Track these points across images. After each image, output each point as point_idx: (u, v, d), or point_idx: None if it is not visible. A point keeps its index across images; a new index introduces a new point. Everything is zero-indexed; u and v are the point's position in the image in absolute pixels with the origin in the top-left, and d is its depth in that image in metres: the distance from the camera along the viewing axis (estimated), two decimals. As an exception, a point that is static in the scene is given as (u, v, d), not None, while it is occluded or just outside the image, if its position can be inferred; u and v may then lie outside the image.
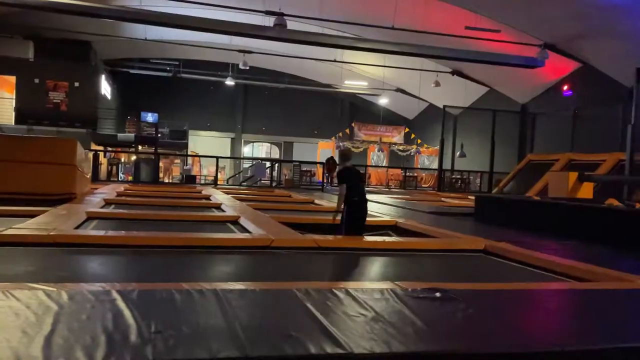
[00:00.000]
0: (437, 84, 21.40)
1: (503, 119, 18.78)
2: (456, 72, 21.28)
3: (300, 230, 5.38)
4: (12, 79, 18.02)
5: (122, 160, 23.08)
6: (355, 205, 5.12)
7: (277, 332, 1.86)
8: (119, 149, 21.81)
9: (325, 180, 17.31)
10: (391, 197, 12.66)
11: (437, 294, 2.50)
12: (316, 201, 9.97)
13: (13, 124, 17.44)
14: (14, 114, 17.72)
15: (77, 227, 4.58)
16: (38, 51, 18.59)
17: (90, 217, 5.48)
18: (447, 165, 20.43)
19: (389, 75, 24.55)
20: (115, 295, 2.18)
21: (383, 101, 28.68)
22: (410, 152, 27.23)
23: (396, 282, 2.77)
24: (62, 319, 1.86)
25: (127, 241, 3.96)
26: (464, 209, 9.45)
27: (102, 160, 19.74)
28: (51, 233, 3.88)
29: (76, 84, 18.43)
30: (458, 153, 20.35)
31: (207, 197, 9.35)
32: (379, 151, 26.25)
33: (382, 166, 25.59)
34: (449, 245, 4.71)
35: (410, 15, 14.66)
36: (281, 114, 30.51)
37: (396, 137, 28.06)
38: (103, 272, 3.32)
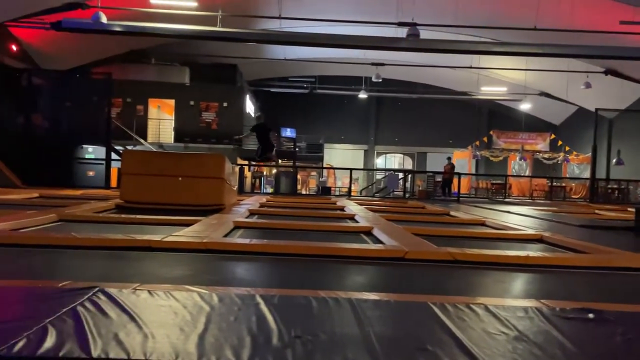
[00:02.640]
0: (588, 85, 19.57)
1: (670, 120, 16.55)
2: (610, 72, 19.26)
3: (435, 242, 5.26)
4: (172, 102, 20.31)
5: (264, 173, 24.59)
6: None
7: (412, 344, 1.84)
8: (262, 163, 23.29)
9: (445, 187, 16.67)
10: (536, 209, 11.79)
11: (590, 315, 2.27)
12: (452, 213, 9.66)
13: (172, 142, 19.67)
14: (173, 133, 19.96)
15: (226, 235, 4.97)
16: (193, 76, 20.76)
17: (237, 226, 5.91)
18: (601, 174, 18.51)
19: (531, 78, 23.05)
20: (258, 299, 2.33)
21: (525, 106, 26.93)
22: (557, 161, 25.17)
23: (542, 301, 2.58)
24: (213, 320, 2.03)
25: (269, 249, 4.20)
26: (621, 222, 8.48)
27: (247, 173, 21.25)
28: (204, 240, 4.25)
29: (225, 104, 20.20)
30: (614, 160, 18.31)
31: (342, 208, 9.55)
32: (520, 160, 24.68)
33: (524, 176, 23.96)
34: (604, 262, 4.25)
35: (555, 14, 13.66)
36: (414, 125, 30.23)
37: (540, 144, 26.15)
38: (248, 277, 3.56)
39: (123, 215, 6.20)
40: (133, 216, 6.17)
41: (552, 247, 5.50)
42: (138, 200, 7.97)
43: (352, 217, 7.73)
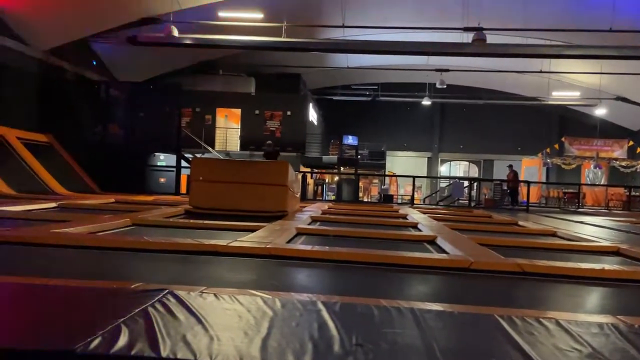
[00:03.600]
0: (671, 88, 18.27)
1: None
2: (696, 73, 17.91)
3: (502, 253, 5.09)
4: (238, 111, 20.89)
5: (327, 180, 24.76)
6: None
7: (478, 357, 1.79)
8: (324, 170, 23.45)
9: (507, 192, 15.97)
10: (612, 220, 11.12)
11: (674, 335, 2.11)
12: (520, 222, 9.29)
13: (239, 150, 20.20)
14: (239, 141, 20.51)
15: (289, 242, 5.04)
16: (258, 86, 21.28)
17: (300, 232, 5.99)
18: (686, 183, 17.22)
19: (606, 82, 21.82)
20: (320, 305, 2.35)
21: (600, 112, 25.46)
22: (637, 169, 23.59)
23: (619, 317, 2.43)
24: (276, 325, 2.07)
25: (331, 256, 4.22)
26: None
27: (309, 181, 21.44)
28: (267, 246, 4.34)
29: (288, 113, 20.54)
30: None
31: (404, 217, 9.43)
32: (595, 168, 23.29)
33: (600, 185, 22.57)
34: (690, 279, 3.94)
35: (632, 14, 12.89)
36: (480, 131, 29.39)
37: (617, 151, 24.61)
38: (310, 283, 3.59)
39: (191, 221, 6.44)
40: (201, 221, 6.39)
41: (630, 260, 5.17)
42: (206, 206, 8.24)
43: (414, 226, 7.62)
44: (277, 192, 8.20)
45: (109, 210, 8.04)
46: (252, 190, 8.15)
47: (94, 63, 17.05)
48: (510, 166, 16.56)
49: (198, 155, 18.31)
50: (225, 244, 4.35)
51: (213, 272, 3.61)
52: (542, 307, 3.01)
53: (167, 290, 2.47)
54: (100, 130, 15.45)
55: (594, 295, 3.58)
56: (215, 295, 2.47)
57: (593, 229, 8.75)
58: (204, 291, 2.55)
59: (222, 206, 8.18)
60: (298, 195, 9.60)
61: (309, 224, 7.02)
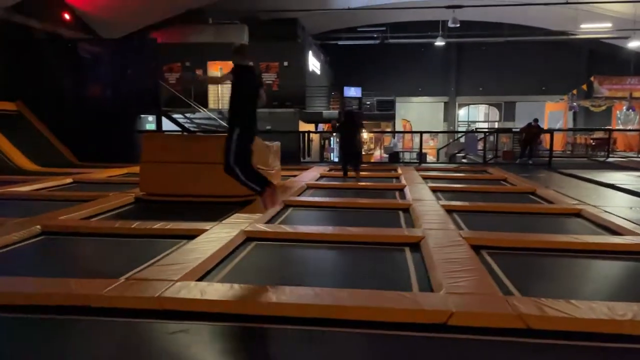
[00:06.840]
0: None
1: None
2: None
3: (505, 266, 3.77)
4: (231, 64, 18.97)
5: (334, 134, 23.08)
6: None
7: None
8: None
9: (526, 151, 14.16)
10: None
11: None
12: (539, 191, 7.81)
13: (234, 107, 18.42)
14: (234, 98, 18.66)
15: (210, 270, 3.77)
16: (252, 34, 19.28)
17: (249, 237, 4.75)
18: None
19: (642, 11, 19.35)
20: None
21: (633, 44, 22.83)
22: (675, 108, 21.26)
23: None
24: None
25: (244, 309, 2.94)
26: None
27: (313, 137, 19.87)
28: (157, 294, 3.08)
29: (285, 64, 18.67)
30: None
31: (401, 189, 8.05)
32: (628, 110, 20.99)
33: (633, 130, 20.24)
34: None
35: None
36: (500, 71, 27.16)
37: (653, 89, 22.20)
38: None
39: (117, 224, 5.18)
40: (131, 223, 5.14)
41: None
42: (159, 193, 6.99)
43: (406, 209, 6.25)
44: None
45: (39, 201, 6.85)
46: (211, 172, 6.81)
47: (68, 18, 15.44)
48: (535, 120, 14.33)
49: (188, 115, 16.98)
50: (102, 292, 3.09)
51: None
52: None
53: None
54: (77, 95, 14.05)
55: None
56: None
57: (629, 199, 7.24)
58: None
59: (177, 192, 6.92)
60: (276, 169, 8.22)
61: (269, 220, 5.66)
